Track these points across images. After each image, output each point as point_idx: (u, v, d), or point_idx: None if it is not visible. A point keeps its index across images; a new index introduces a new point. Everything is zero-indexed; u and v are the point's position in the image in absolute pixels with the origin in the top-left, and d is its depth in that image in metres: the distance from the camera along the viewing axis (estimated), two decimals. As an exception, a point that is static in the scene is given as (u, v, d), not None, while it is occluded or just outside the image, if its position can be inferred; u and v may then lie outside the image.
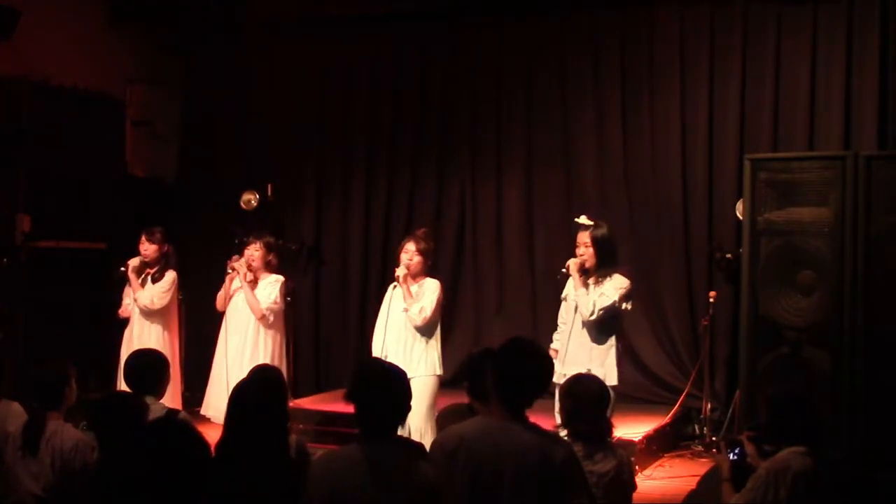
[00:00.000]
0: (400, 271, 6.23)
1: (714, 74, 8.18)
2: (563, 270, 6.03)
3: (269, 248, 7.10)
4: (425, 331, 6.20)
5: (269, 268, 7.12)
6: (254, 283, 7.01)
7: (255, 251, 6.98)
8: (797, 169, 6.49)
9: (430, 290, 6.23)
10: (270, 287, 6.99)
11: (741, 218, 6.86)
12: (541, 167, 8.79)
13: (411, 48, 9.25)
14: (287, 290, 7.28)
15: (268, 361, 6.93)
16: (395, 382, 3.42)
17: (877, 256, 6.18)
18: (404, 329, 6.22)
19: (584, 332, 5.99)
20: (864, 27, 7.66)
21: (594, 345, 5.96)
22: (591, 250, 5.98)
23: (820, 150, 7.50)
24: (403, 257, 6.28)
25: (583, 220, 6.13)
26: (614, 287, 5.97)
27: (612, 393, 5.98)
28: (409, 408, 3.46)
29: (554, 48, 8.74)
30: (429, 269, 6.39)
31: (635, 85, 8.46)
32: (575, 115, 8.66)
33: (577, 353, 5.94)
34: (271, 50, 9.44)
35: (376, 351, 6.19)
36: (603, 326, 5.98)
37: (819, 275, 6.28)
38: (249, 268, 6.95)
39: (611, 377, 5.96)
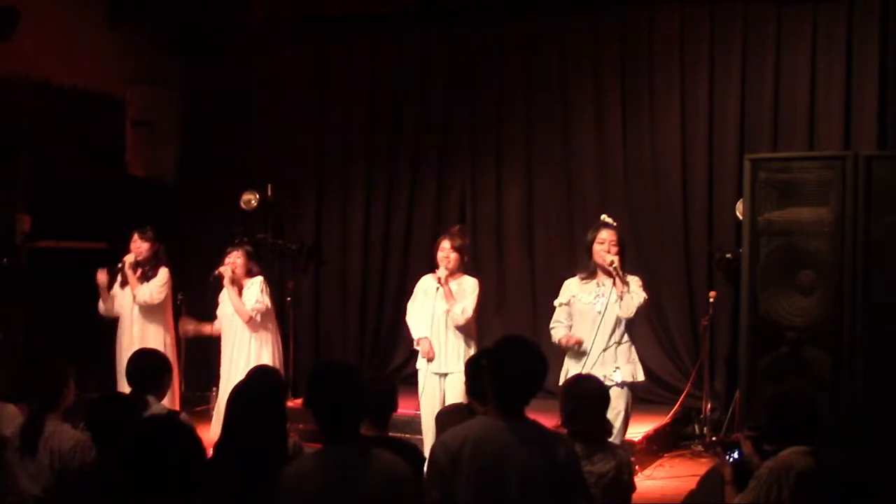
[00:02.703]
0: (440, 273, 6.27)
1: (714, 74, 8.19)
2: (613, 266, 5.85)
3: (249, 256, 7.10)
4: (463, 328, 6.28)
5: (251, 276, 7.11)
6: (239, 291, 7.02)
7: (237, 258, 6.99)
8: (797, 169, 6.49)
9: (470, 290, 6.31)
10: (251, 289, 7.00)
11: (741, 218, 6.85)
12: (541, 167, 8.79)
13: (411, 48, 9.25)
14: (271, 292, 7.26)
15: (266, 363, 6.94)
16: (348, 384, 3.37)
17: (877, 256, 6.17)
18: (443, 327, 6.29)
19: (609, 333, 5.93)
20: (864, 27, 7.67)
21: (619, 343, 5.95)
22: (617, 248, 5.94)
23: (820, 150, 7.51)
24: (440, 255, 6.33)
25: (608, 219, 6.10)
26: (637, 285, 5.97)
27: (630, 392, 5.98)
28: (365, 406, 3.45)
29: (554, 48, 8.74)
30: (466, 266, 6.42)
31: (635, 85, 8.47)
32: (575, 115, 8.67)
33: (605, 355, 5.90)
34: (271, 50, 9.43)
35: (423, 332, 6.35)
36: (628, 324, 5.98)
37: (819, 275, 6.28)
38: (233, 275, 6.96)
39: (639, 373, 5.97)
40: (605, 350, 5.87)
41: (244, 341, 6.99)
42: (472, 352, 6.20)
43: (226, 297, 7.05)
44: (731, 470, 4.22)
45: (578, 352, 5.93)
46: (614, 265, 5.86)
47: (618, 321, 5.90)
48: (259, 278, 7.07)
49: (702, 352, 7.83)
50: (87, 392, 5.65)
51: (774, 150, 7.80)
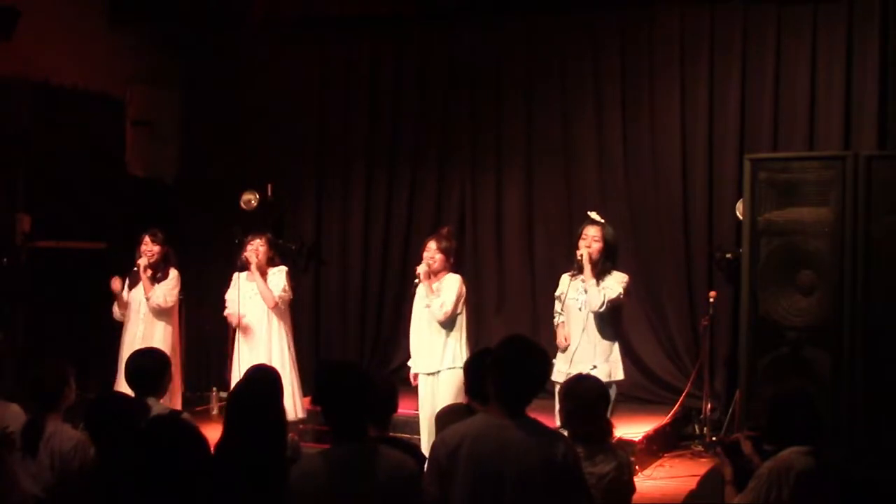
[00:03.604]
0: (420, 269, 6.33)
1: (714, 74, 8.19)
2: (579, 258, 6.03)
3: (270, 244, 7.15)
4: (447, 325, 6.29)
5: (274, 264, 7.17)
6: (263, 277, 7.06)
7: (259, 246, 7.04)
8: (797, 169, 6.49)
9: (450, 285, 6.32)
10: (277, 276, 7.08)
11: (741, 218, 6.86)
12: (541, 167, 8.80)
13: (411, 48, 9.25)
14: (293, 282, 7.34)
15: (282, 352, 7.01)
16: (356, 382, 3.42)
17: (877, 256, 6.17)
18: (427, 324, 6.32)
19: (588, 330, 5.99)
20: (864, 27, 7.67)
21: (598, 340, 5.99)
22: (599, 245, 6.03)
23: (820, 150, 7.51)
24: (425, 255, 6.37)
25: (594, 215, 6.21)
26: (616, 281, 6.06)
27: (615, 390, 6.06)
28: (372, 405, 3.48)
29: (554, 48, 8.74)
30: (451, 267, 6.47)
31: (635, 85, 8.47)
32: (575, 115, 8.67)
33: (582, 351, 5.96)
34: (271, 50, 9.43)
35: (413, 348, 6.44)
36: (607, 321, 6.02)
37: (819, 275, 6.28)
38: (257, 262, 7.00)
39: (617, 372, 6.02)
40: (578, 345, 5.94)
41: (262, 325, 7.01)
42: (461, 350, 6.23)
43: (243, 282, 7.06)
44: (732, 469, 4.22)
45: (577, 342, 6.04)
46: (581, 257, 5.99)
47: (593, 316, 5.96)
48: (285, 268, 7.16)
49: (702, 352, 7.83)
50: (87, 392, 5.65)
51: (774, 150, 7.81)
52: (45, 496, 4.29)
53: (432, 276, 6.33)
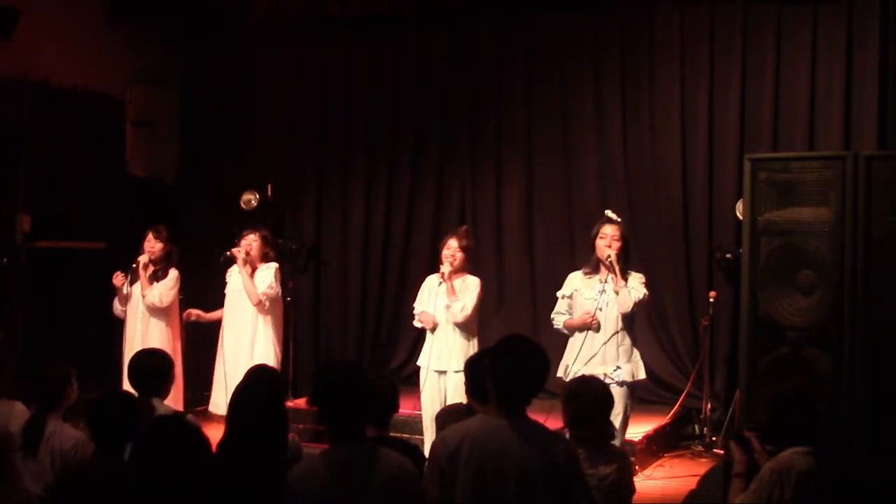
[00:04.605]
0: (445, 268, 6.33)
1: (714, 74, 8.19)
2: (609, 260, 5.93)
3: (265, 241, 7.15)
4: (464, 327, 6.32)
5: (267, 261, 7.16)
6: (251, 273, 7.05)
7: (252, 241, 7.05)
8: (797, 169, 6.48)
9: (471, 288, 6.36)
10: (265, 273, 7.07)
11: (741, 218, 6.85)
12: (541, 167, 8.80)
13: (411, 48, 9.25)
14: (284, 280, 7.32)
15: (266, 351, 6.99)
16: (356, 383, 3.42)
17: (877, 256, 6.15)
18: (444, 324, 6.33)
19: (607, 331, 5.96)
20: (864, 27, 7.68)
21: (622, 341, 5.96)
22: (619, 244, 5.98)
23: (820, 150, 7.51)
24: (446, 253, 6.38)
25: (612, 214, 6.14)
26: (638, 281, 6.02)
27: (637, 391, 6.02)
28: (372, 406, 3.49)
29: (554, 48, 8.75)
30: (470, 267, 6.48)
31: (635, 85, 8.47)
32: (575, 115, 8.67)
33: (608, 352, 5.92)
34: (271, 50, 9.44)
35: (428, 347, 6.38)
36: (629, 321, 6.00)
37: (819, 275, 6.27)
38: (247, 257, 6.99)
39: (639, 371, 6.00)
40: (605, 344, 5.90)
41: (248, 319, 7.02)
42: (473, 351, 6.21)
43: (234, 274, 7.08)
44: (747, 459, 4.19)
45: (584, 337, 5.95)
46: (610, 259, 5.92)
47: (618, 317, 5.92)
48: (275, 265, 7.16)
49: (702, 352, 7.83)
50: (87, 392, 5.65)
51: (774, 150, 7.81)
52: (46, 496, 4.29)
53: (453, 276, 6.33)
